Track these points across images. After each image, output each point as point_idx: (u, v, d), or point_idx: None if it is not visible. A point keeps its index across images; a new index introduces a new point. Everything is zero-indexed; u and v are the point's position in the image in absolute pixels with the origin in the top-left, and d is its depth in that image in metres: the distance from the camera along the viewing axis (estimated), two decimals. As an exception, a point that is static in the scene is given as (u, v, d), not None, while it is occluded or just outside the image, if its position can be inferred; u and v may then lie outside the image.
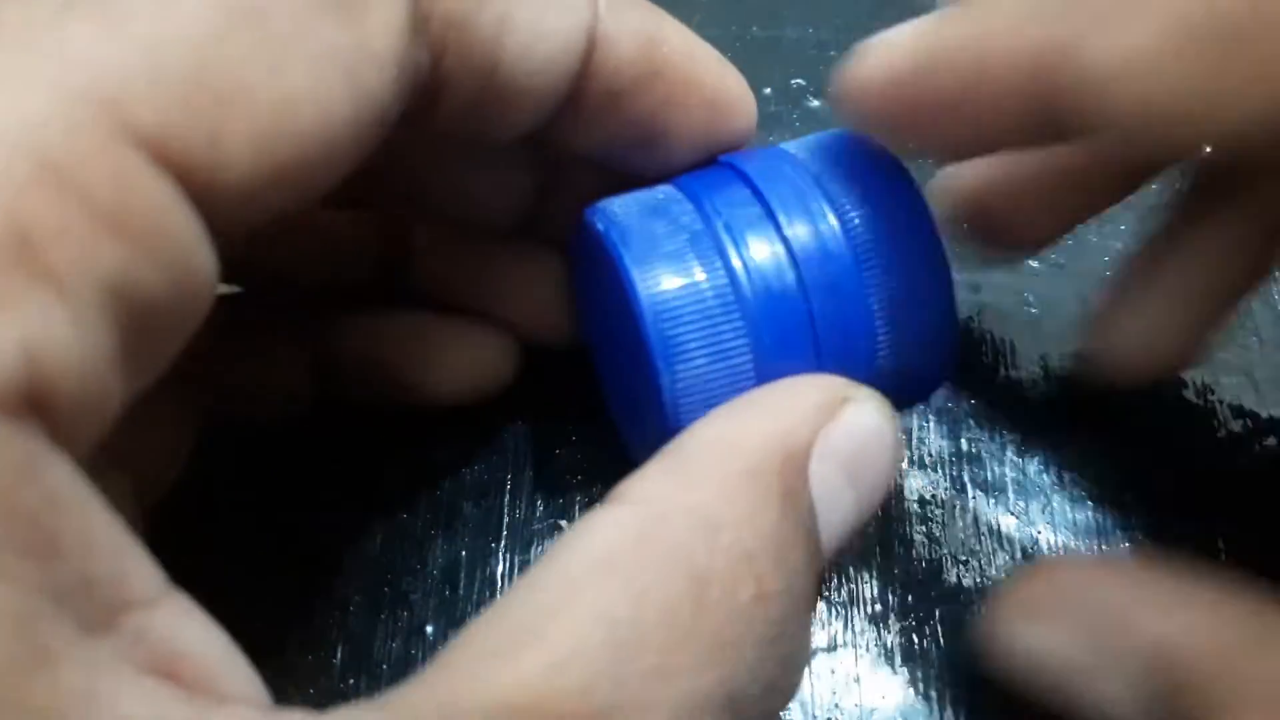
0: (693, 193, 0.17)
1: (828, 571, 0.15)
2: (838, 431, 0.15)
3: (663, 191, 0.18)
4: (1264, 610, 0.15)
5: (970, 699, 0.20)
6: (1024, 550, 0.22)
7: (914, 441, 0.23)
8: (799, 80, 0.30)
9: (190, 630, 0.12)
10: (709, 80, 0.18)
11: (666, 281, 0.16)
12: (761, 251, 0.16)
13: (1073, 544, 0.22)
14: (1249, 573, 0.22)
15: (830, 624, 0.21)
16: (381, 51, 0.13)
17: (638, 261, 0.16)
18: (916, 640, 0.21)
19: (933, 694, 0.20)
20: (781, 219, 0.17)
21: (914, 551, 0.22)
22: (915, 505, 0.22)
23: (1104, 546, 0.22)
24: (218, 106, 0.11)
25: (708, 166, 0.18)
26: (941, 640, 0.21)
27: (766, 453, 0.14)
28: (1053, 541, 0.22)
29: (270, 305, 0.21)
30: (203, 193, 0.12)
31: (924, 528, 0.22)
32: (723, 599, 0.12)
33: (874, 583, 0.21)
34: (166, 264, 0.11)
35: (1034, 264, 0.26)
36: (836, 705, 0.20)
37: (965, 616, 0.21)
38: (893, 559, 0.22)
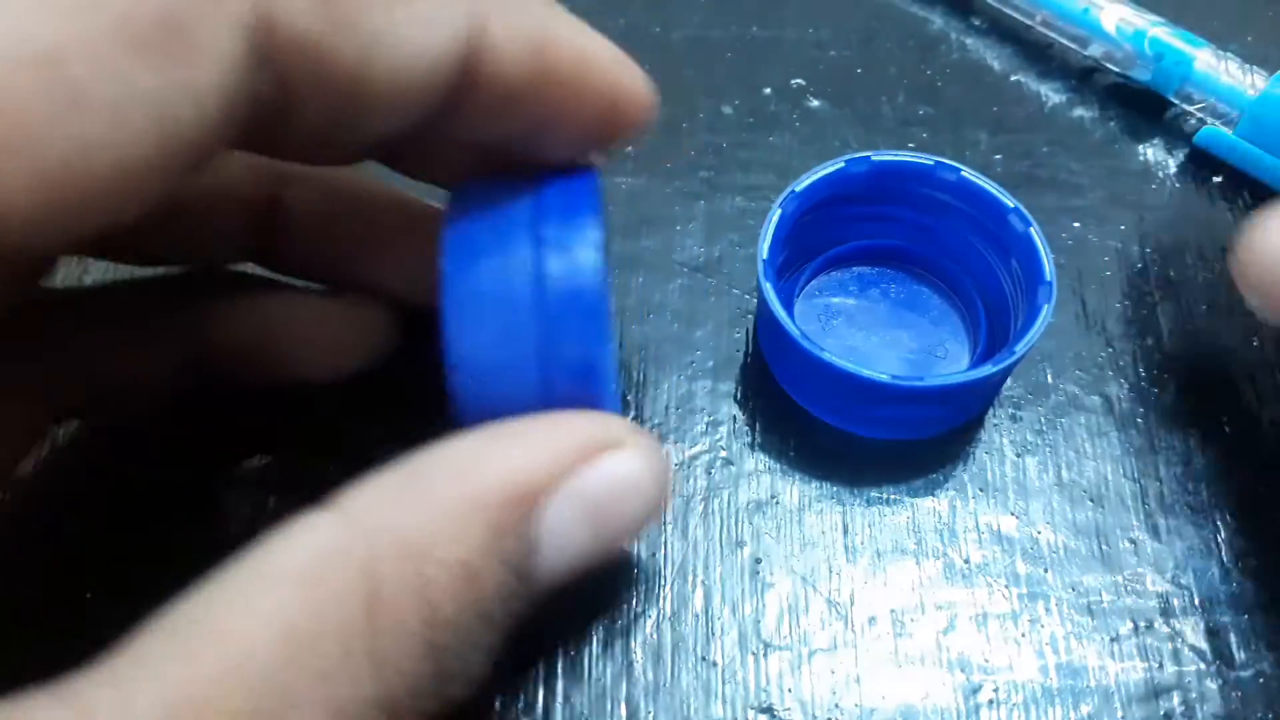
0: (538, 199, 0.17)
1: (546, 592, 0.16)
2: (591, 475, 0.16)
3: (513, 190, 0.18)
4: None
5: (975, 698, 0.20)
6: (1024, 550, 0.22)
7: (915, 443, 0.23)
8: (799, 80, 0.30)
9: None
10: (603, 79, 0.17)
11: (475, 277, 0.17)
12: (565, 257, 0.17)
13: (1073, 544, 0.22)
14: (1247, 572, 0.22)
15: (830, 624, 0.21)
16: (205, 91, 0.13)
17: (455, 256, 0.17)
18: (916, 641, 0.21)
19: (933, 694, 0.20)
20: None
21: (914, 553, 0.22)
22: (916, 507, 0.22)
23: (1104, 547, 0.22)
24: None
25: (576, 174, 0.18)
26: (942, 641, 0.21)
27: (497, 486, 0.15)
28: (1053, 541, 0.22)
29: (138, 299, 0.21)
30: None
31: (924, 530, 0.22)
32: (393, 621, 0.13)
33: (874, 584, 0.21)
34: None
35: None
36: (837, 705, 0.20)
37: (964, 618, 0.21)
38: (893, 560, 0.22)
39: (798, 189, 0.23)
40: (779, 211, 0.22)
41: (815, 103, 0.30)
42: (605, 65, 0.17)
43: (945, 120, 0.29)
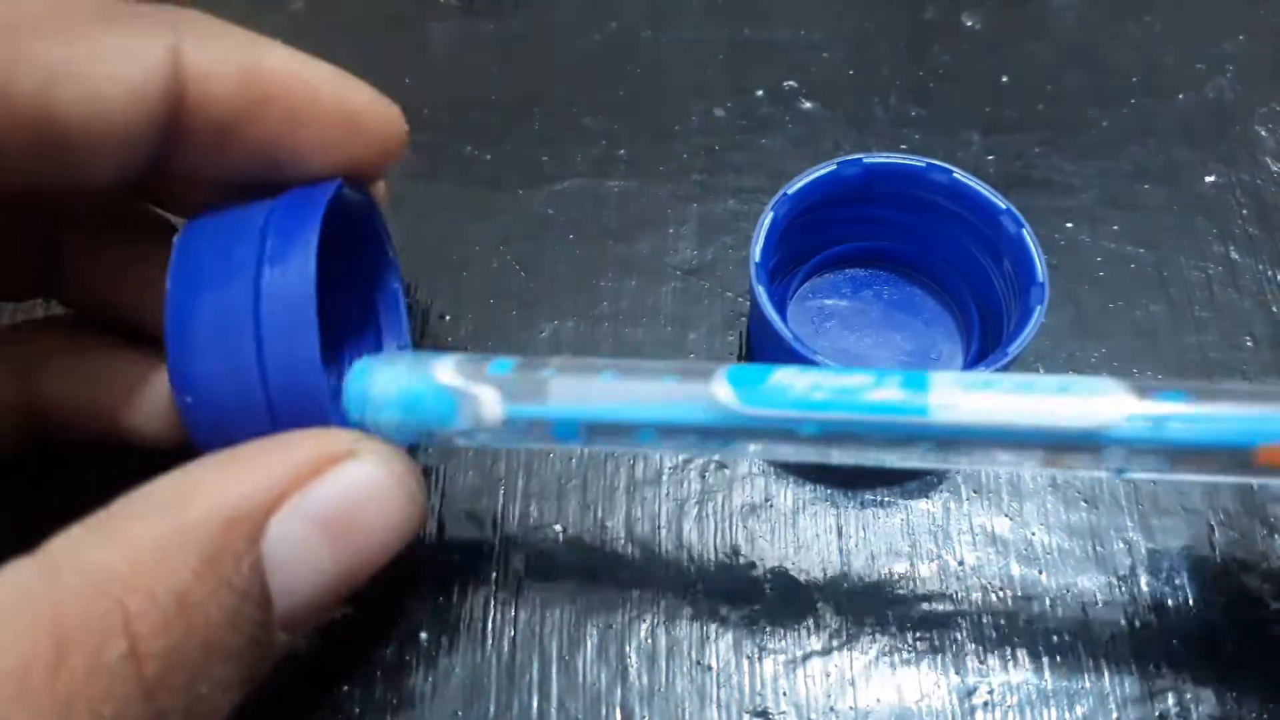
0: (267, 219, 0.17)
1: (309, 620, 0.16)
2: (321, 489, 0.15)
3: (248, 212, 0.18)
4: None
5: (970, 700, 0.20)
6: (1018, 552, 0.22)
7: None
8: (791, 82, 0.30)
9: None
10: (327, 97, 0.18)
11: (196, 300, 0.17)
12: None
13: (1067, 545, 0.22)
14: (1243, 572, 0.22)
15: (826, 626, 0.21)
16: None
17: (179, 282, 0.17)
18: (912, 643, 0.21)
19: (928, 697, 0.20)
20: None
21: (908, 555, 0.22)
22: (910, 509, 0.22)
23: (1098, 548, 0.22)
24: None
25: (310, 188, 0.18)
26: (937, 643, 0.21)
27: (208, 512, 0.14)
28: (1047, 542, 0.22)
29: None
30: None
31: (918, 532, 0.22)
32: (85, 658, 0.13)
33: (870, 586, 0.21)
34: None
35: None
36: (831, 708, 0.20)
37: (960, 619, 0.21)
38: (889, 562, 0.22)
39: (790, 191, 0.23)
40: (771, 214, 0.22)
41: (807, 105, 0.30)
42: (328, 82, 0.18)
43: (937, 122, 0.29)
